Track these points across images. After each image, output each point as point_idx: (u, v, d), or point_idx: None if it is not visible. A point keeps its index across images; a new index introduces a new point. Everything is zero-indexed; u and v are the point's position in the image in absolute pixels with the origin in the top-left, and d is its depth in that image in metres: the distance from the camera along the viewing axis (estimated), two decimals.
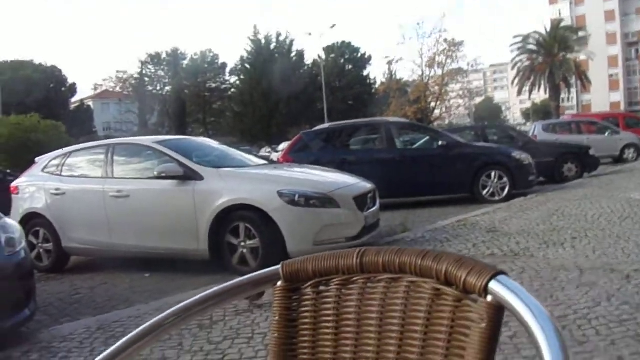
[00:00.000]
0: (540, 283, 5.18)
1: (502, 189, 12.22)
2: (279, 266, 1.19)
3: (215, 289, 1.20)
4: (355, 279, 1.11)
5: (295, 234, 6.68)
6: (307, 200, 6.79)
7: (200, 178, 7.08)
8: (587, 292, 4.80)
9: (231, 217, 6.87)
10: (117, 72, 75.95)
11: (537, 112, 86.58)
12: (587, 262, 5.89)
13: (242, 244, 6.80)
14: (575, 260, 6.04)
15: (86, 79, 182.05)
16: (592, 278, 5.23)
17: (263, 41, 63.18)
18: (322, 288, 1.15)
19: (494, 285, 0.93)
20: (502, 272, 0.94)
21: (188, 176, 7.12)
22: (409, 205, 12.14)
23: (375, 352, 1.07)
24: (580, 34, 59.97)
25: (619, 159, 22.27)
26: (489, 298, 0.94)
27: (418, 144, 14.03)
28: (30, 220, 8.12)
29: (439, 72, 51.33)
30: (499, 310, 0.93)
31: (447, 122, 60.32)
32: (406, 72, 53.04)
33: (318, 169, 8.69)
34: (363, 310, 1.09)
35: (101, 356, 1.14)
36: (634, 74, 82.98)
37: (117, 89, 76.26)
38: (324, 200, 6.87)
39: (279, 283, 1.19)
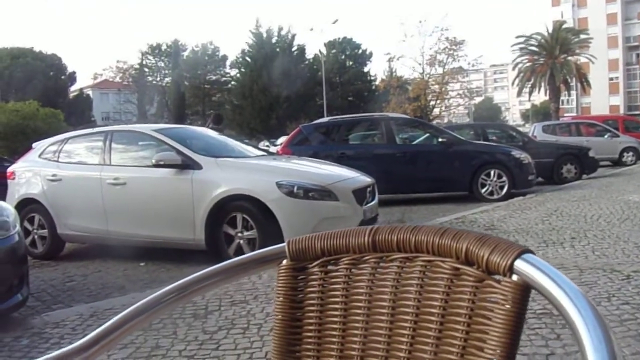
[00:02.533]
0: None
1: (501, 188, 12.19)
2: (284, 244, 1.13)
3: (217, 266, 1.13)
4: (366, 258, 1.05)
5: (293, 226, 6.59)
6: (305, 192, 6.72)
7: (199, 167, 7.01)
8: (587, 292, 4.73)
9: (229, 207, 6.81)
10: (117, 62, 76.18)
11: (537, 114, 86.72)
12: (587, 262, 5.86)
13: (239, 234, 6.75)
14: (575, 260, 6.01)
15: (86, 67, 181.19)
16: (592, 278, 5.20)
17: (264, 35, 62.91)
18: (330, 267, 1.09)
19: (519, 264, 0.87)
20: (528, 250, 0.88)
21: (186, 165, 7.05)
22: (407, 201, 12.11)
23: (387, 335, 1.01)
24: (582, 36, 59.96)
25: (617, 162, 22.29)
26: (514, 277, 0.87)
27: (418, 140, 14.00)
28: (26, 206, 8.05)
29: (440, 70, 51.42)
30: (525, 290, 0.87)
31: (446, 120, 60.39)
32: (407, 70, 53.02)
33: (317, 161, 8.61)
34: (375, 292, 1.03)
35: (98, 330, 1.08)
36: (634, 77, 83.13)
37: (117, 78, 76.30)
38: (322, 192, 6.80)
39: (284, 262, 1.12)
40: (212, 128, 11.89)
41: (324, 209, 6.75)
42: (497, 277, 0.89)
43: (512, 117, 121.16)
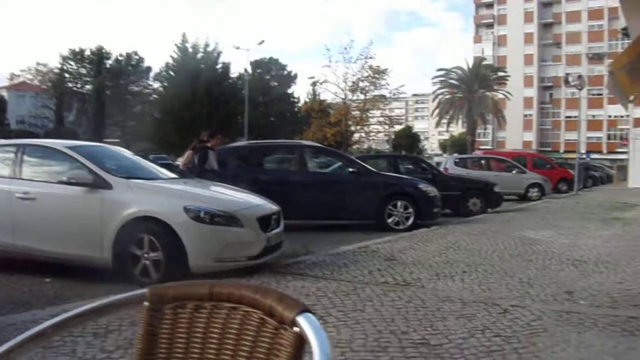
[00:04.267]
0: (424, 313, 5.51)
1: (407, 219, 12.67)
2: (145, 289, 1.42)
3: (85, 307, 1.40)
4: (205, 305, 1.35)
5: (197, 250, 6.81)
6: (212, 217, 6.95)
7: (110, 187, 7.13)
8: (465, 324, 5.14)
9: (136, 228, 6.93)
10: (37, 64, 74.29)
11: (454, 144, 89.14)
12: (471, 296, 6.29)
13: (146, 255, 6.84)
14: (461, 293, 6.42)
15: (2, 67, 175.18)
16: (472, 311, 5.60)
17: (190, 49, 62.59)
18: (179, 310, 1.38)
19: (300, 319, 1.19)
20: (307, 310, 1.20)
21: (97, 184, 7.14)
22: (316, 227, 12.40)
23: None
24: (500, 73, 62.22)
25: (524, 197, 23.44)
26: (295, 329, 1.19)
27: (330, 168, 14.37)
28: None
29: (362, 97, 52.11)
30: (301, 339, 1.19)
31: (366, 146, 61.22)
32: (329, 94, 53.30)
33: (227, 187, 8.75)
34: (208, 332, 1.34)
35: None
36: (547, 116, 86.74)
37: (36, 81, 74.47)
38: (228, 218, 7.04)
39: (145, 303, 1.41)
40: (204, 147, 11.68)
41: (228, 234, 7.00)
42: (286, 326, 1.22)
43: (431, 146, 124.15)
